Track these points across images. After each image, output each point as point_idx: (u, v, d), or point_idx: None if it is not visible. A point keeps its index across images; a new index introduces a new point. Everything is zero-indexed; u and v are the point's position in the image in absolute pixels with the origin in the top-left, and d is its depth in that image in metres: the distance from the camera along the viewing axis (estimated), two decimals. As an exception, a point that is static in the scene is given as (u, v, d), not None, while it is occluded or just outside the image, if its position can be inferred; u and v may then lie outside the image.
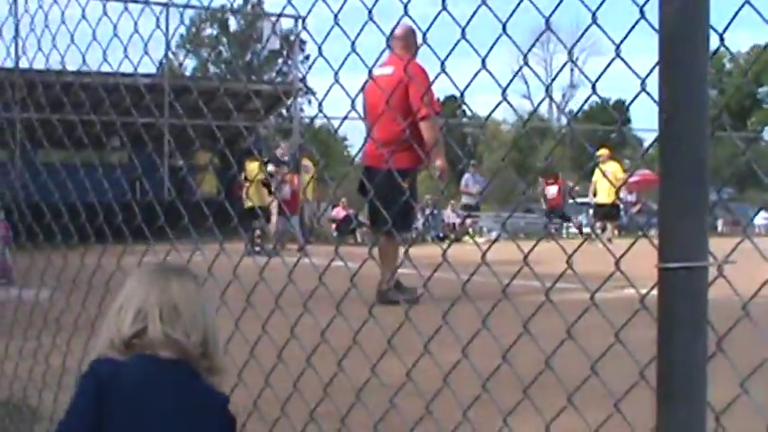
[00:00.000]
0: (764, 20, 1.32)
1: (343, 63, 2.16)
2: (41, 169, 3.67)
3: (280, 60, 52.43)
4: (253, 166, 14.52)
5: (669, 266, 1.35)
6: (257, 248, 13.74)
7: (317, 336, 2.24)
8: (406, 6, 2.01)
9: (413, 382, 2.09)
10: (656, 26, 1.37)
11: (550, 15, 1.67)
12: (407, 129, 6.36)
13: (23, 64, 3.96)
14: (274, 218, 16.02)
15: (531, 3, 1.72)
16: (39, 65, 3.65)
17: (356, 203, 20.21)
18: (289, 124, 27.37)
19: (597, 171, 17.52)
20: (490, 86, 1.96)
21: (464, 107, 46.82)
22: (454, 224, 23.47)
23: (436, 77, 1.96)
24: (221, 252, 2.53)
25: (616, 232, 19.25)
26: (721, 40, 1.38)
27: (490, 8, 1.81)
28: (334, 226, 21.79)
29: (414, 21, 2.14)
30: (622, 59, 1.53)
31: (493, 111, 2.11)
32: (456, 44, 1.89)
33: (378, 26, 2.07)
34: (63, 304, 3.38)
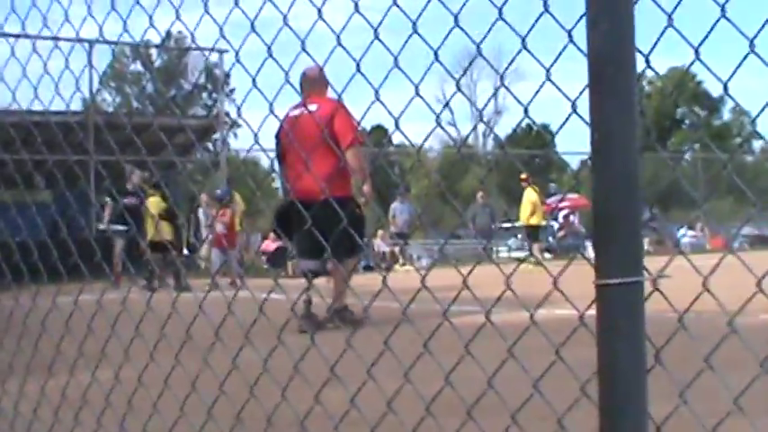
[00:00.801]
0: (688, 42, 1.38)
1: (277, 95, 2.16)
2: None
3: (204, 95, 52.20)
4: (152, 201, 14.65)
5: (607, 282, 1.38)
6: (143, 283, 13.61)
7: (257, 368, 2.22)
8: (338, 37, 2.02)
9: (357, 409, 2.08)
10: (584, 49, 1.41)
11: (481, 42, 1.71)
12: (341, 159, 6.74)
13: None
14: (205, 252, 16.03)
15: (462, 30, 1.76)
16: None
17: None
18: (215, 158, 27.18)
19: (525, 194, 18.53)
20: (416, 115, 1.99)
21: (390, 137, 47.28)
22: (384, 253, 23.54)
23: (370, 106, 1.98)
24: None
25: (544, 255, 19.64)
26: (647, 61, 1.43)
27: (421, 35, 1.84)
28: (265, 258, 21.68)
29: (347, 51, 2.15)
30: (553, 83, 1.57)
31: (427, 138, 2.14)
32: (389, 72, 1.91)
33: (311, 57, 2.09)
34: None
